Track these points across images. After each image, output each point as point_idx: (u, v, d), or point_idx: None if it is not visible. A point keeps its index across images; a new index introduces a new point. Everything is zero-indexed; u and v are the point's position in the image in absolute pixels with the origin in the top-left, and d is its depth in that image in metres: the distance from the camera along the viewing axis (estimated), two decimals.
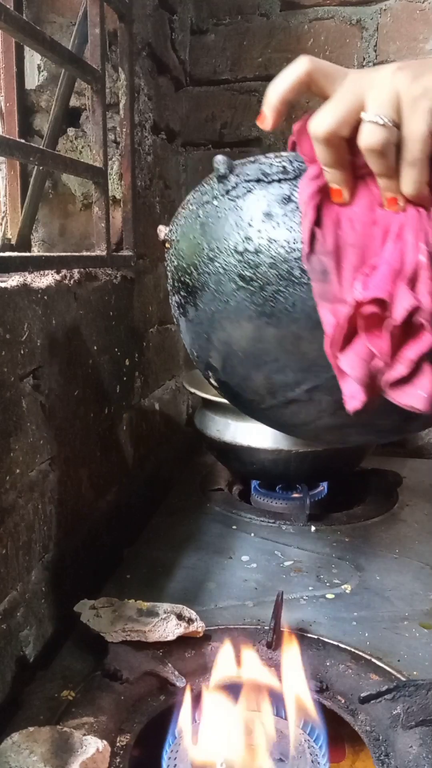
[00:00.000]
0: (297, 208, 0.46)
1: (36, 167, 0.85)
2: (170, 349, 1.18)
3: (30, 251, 0.90)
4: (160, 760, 0.54)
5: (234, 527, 0.90)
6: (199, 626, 0.62)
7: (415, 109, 0.40)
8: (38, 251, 0.94)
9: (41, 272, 0.68)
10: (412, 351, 0.43)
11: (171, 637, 0.61)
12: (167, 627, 0.61)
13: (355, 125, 0.42)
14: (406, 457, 1.22)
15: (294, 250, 0.47)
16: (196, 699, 0.57)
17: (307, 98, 0.42)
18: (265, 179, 0.49)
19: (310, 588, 0.74)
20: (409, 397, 0.44)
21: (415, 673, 0.59)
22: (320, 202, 0.45)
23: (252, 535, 0.88)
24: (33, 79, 0.91)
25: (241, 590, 0.74)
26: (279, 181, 0.48)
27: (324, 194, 0.45)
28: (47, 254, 0.73)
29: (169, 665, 0.59)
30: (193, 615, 0.63)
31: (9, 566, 0.59)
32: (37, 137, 0.92)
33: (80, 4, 0.81)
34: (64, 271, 0.72)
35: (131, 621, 0.62)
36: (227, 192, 0.51)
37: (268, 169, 0.49)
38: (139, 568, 0.78)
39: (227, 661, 0.59)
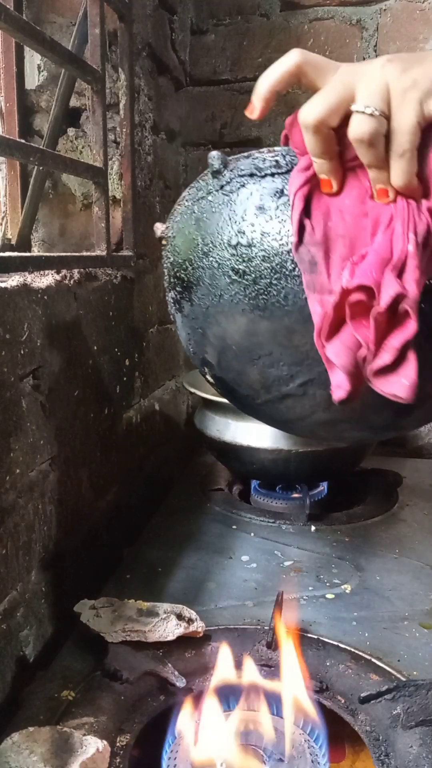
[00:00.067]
0: (289, 201, 0.47)
1: (36, 167, 0.85)
2: (170, 349, 1.18)
3: (30, 251, 0.90)
4: (160, 760, 0.53)
5: (234, 527, 0.90)
6: (199, 626, 0.62)
7: (404, 100, 0.40)
8: (38, 251, 0.94)
9: (41, 272, 0.68)
10: (396, 339, 0.42)
11: (171, 637, 0.61)
12: (167, 627, 0.61)
13: (345, 116, 0.42)
14: (406, 457, 1.22)
15: (286, 243, 0.47)
16: (196, 699, 0.57)
17: (306, 96, 0.42)
18: (259, 174, 0.49)
19: (310, 588, 0.74)
20: (392, 386, 0.43)
21: (415, 673, 0.59)
22: (310, 193, 0.45)
23: (252, 535, 0.88)
24: (33, 79, 0.91)
25: (241, 590, 0.74)
26: (272, 175, 0.49)
27: (313, 185, 0.45)
28: (47, 254, 0.73)
29: (169, 665, 0.59)
30: (193, 615, 0.63)
31: (9, 566, 0.59)
32: (37, 137, 0.92)
33: (80, 4, 0.81)
34: (64, 271, 0.72)
35: (131, 621, 0.62)
36: (221, 187, 0.51)
37: (261, 163, 0.49)
38: (139, 568, 0.78)
39: (227, 661, 0.59)
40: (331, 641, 0.63)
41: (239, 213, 0.50)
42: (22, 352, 0.60)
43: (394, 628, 0.66)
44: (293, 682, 0.56)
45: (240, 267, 0.50)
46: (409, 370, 0.43)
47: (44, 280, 0.67)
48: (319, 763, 0.53)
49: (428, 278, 0.43)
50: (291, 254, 0.47)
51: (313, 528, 0.90)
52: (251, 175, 0.50)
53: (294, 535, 0.88)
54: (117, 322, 0.88)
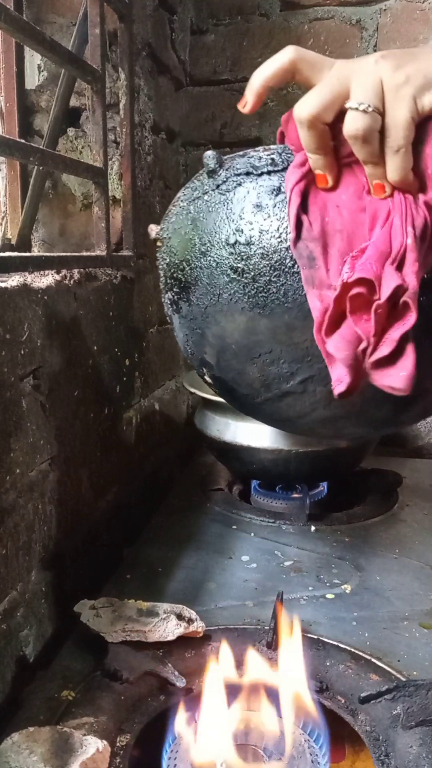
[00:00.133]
0: (286, 198, 0.47)
1: (36, 167, 0.85)
2: (170, 349, 1.18)
3: (30, 251, 0.90)
4: (160, 760, 0.53)
5: (234, 527, 0.90)
6: (199, 626, 0.62)
7: (397, 96, 0.41)
8: (38, 251, 0.94)
9: (41, 272, 0.68)
10: (396, 331, 0.43)
11: (171, 637, 0.61)
12: (167, 627, 0.61)
13: (339, 112, 0.42)
14: (406, 457, 1.22)
15: (285, 240, 0.47)
16: (196, 699, 0.57)
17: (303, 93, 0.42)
18: (255, 172, 0.49)
19: (310, 588, 0.74)
20: (390, 378, 0.44)
21: (415, 673, 0.59)
22: (306, 189, 0.45)
23: (252, 535, 0.88)
24: (33, 79, 0.91)
25: (241, 590, 0.74)
26: (268, 173, 0.49)
27: (310, 180, 0.45)
28: (47, 254, 0.73)
29: (169, 665, 0.59)
30: (193, 615, 0.63)
31: (9, 566, 0.59)
32: (37, 137, 0.92)
33: (80, 4, 0.81)
34: (64, 271, 0.72)
35: (131, 621, 0.62)
36: (217, 186, 0.51)
37: (257, 162, 0.49)
38: (139, 568, 0.78)
39: (227, 661, 0.59)
40: (331, 641, 0.63)
41: (237, 212, 0.50)
42: (22, 352, 0.60)
43: (394, 628, 0.66)
44: (293, 682, 0.56)
45: (239, 265, 0.50)
46: (407, 362, 0.43)
47: (44, 280, 0.67)
48: (319, 763, 0.53)
49: (426, 272, 0.44)
50: (290, 251, 0.47)
51: (313, 528, 0.90)
52: (247, 173, 0.50)
53: (294, 535, 0.88)
54: (117, 322, 0.88)
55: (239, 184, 0.50)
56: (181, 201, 0.56)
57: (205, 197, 0.52)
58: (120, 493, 0.91)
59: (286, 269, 0.48)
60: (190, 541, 0.85)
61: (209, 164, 0.52)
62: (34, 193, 0.86)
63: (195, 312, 0.55)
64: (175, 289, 0.56)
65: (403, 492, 1.02)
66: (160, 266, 0.59)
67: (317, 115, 0.42)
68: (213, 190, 0.52)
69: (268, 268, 0.49)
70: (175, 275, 0.56)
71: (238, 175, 0.50)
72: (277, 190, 0.48)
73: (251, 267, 0.49)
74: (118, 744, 0.51)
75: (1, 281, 0.58)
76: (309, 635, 0.64)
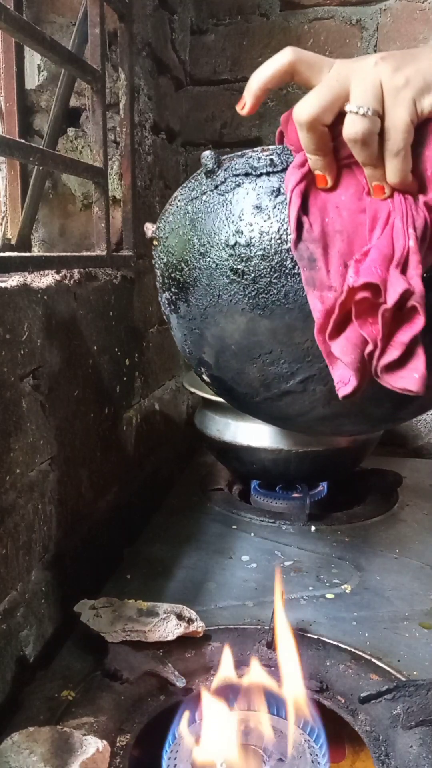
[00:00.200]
0: (286, 200, 0.47)
1: (36, 167, 0.85)
2: (170, 349, 1.18)
3: (30, 251, 0.90)
4: (160, 760, 0.53)
5: (234, 527, 0.90)
6: (199, 626, 0.62)
7: (397, 99, 0.41)
8: (38, 251, 0.94)
9: (41, 272, 0.68)
10: (404, 334, 0.43)
11: (171, 637, 0.61)
12: (167, 627, 0.61)
13: (338, 113, 0.42)
14: (406, 457, 1.22)
15: (285, 241, 0.47)
16: (197, 699, 0.57)
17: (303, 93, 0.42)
18: (254, 173, 0.49)
19: (310, 588, 0.74)
20: (403, 380, 0.44)
21: (415, 673, 0.59)
22: (306, 189, 0.45)
23: (252, 535, 0.88)
24: (33, 79, 0.91)
25: (241, 590, 0.74)
26: (267, 174, 0.49)
27: (310, 181, 0.45)
28: (47, 254, 0.73)
29: (169, 665, 0.59)
30: (193, 615, 0.63)
31: (9, 566, 0.59)
32: (37, 137, 0.92)
33: (80, 4, 0.81)
34: (64, 271, 0.72)
35: (131, 621, 0.62)
36: (216, 187, 0.51)
37: (256, 162, 0.49)
38: (139, 568, 0.78)
39: (228, 662, 0.59)
40: (331, 641, 0.63)
41: (236, 213, 0.50)
42: (22, 352, 0.60)
43: (394, 628, 0.66)
44: (293, 682, 0.56)
45: (239, 267, 0.50)
46: (419, 363, 0.43)
47: (44, 280, 0.67)
48: (319, 763, 0.53)
49: (425, 271, 0.44)
50: (290, 252, 0.47)
51: (313, 528, 0.90)
52: (246, 174, 0.49)
53: (294, 535, 0.88)
54: (117, 322, 0.88)
55: (238, 185, 0.50)
56: (179, 200, 0.56)
57: (204, 197, 0.52)
58: (120, 493, 0.91)
59: (287, 270, 0.48)
60: (190, 541, 0.85)
61: (207, 164, 0.51)
62: (34, 193, 0.86)
63: (194, 312, 0.55)
64: (173, 289, 0.56)
65: (403, 492, 1.02)
66: (157, 266, 0.59)
67: (317, 117, 0.42)
68: (211, 190, 0.51)
69: (268, 269, 0.49)
70: (173, 275, 0.55)
71: (237, 175, 0.50)
72: (277, 191, 0.48)
73: (251, 268, 0.49)
74: (118, 744, 0.51)
75: (1, 281, 0.58)
76: (309, 635, 0.64)
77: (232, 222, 0.50)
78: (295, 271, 0.47)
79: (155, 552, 0.82)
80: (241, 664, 0.59)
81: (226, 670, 0.58)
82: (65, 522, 0.72)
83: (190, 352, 0.60)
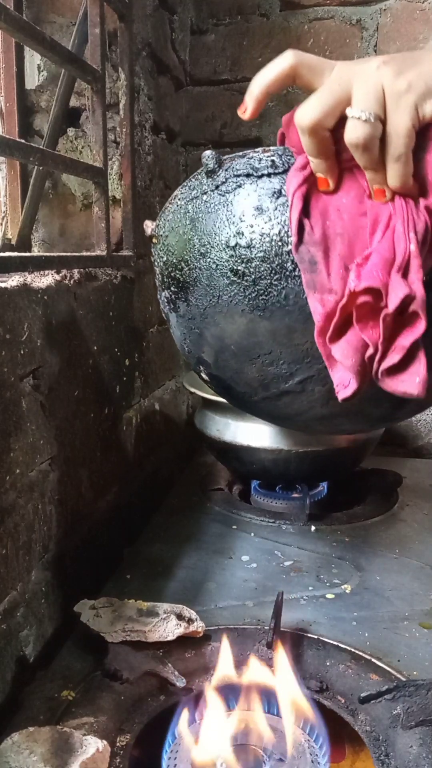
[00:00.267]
0: (287, 202, 0.47)
1: (36, 167, 0.85)
2: (170, 349, 1.18)
3: (30, 251, 0.90)
4: (160, 760, 0.53)
5: (234, 527, 0.90)
6: (199, 626, 0.62)
7: (399, 104, 0.41)
8: (38, 251, 0.94)
9: (41, 272, 0.68)
10: (406, 338, 0.43)
11: (171, 637, 0.61)
12: (167, 627, 0.61)
13: (340, 117, 0.42)
14: (406, 457, 1.22)
15: (286, 243, 0.47)
16: (196, 699, 0.57)
17: (306, 96, 0.42)
18: (255, 174, 0.49)
19: (310, 588, 0.74)
20: (404, 384, 0.44)
21: (415, 673, 0.59)
22: (308, 192, 0.45)
23: (252, 535, 0.88)
24: (33, 79, 0.91)
25: (241, 590, 0.74)
26: (269, 175, 0.48)
27: (311, 184, 0.45)
28: (47, 254, 0.73)
29: (169, 665, 0.59)
30: (193, 615, 0.63)
31: (9, 566, 0.59)
32: (37, 137, 0.92)
33: (80, 4, 0.81)
34: (64, 271, 0.72)
35: (131, 621, 0.62)
36: (216, 187, 0.51)
37: (257, 163, 0.49)
38: (139, 568, 0.78)
39: (227, 661, 0.59)
40: (331, 641, 0.63)
41: (237, 214, 0.49)
42: (22, 352, 0.60)
43: (394, 628, 0.66)
44: (293, 682, 0.56)
45: (239, 268, 0.50)
46: (420, 367, 0.43)
47: (44, 280, 0.67)
48: (319, 763, 0.53)
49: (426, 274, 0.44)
50: (291, 255, 0.47)
51: (313, 528, 0.90)
52: (248, 175, 0.49)
53: (294, 535, 0.88)
54: (117, 322, 0.88)
55: (239, 186, 0.50)
56: (179, 199, 0.55)
57: (204, 197, 0.52)
58: (120, 493, 0.91)
59: (287, 273, 0.48)
60: (190, 541, 0.85)
61: (208, 164, 0.51)
62: (34, 193, 0.86)
63: (193, 312, 0.55)
64: (172, 288, 0.56)
65: (403, 492, 1.02)
66: (156, 264, 0.59)
67: (319, 122, 0.42)
68: (212, 190, 0.51)
69: (269, 271, 0.48)
70: (172, 274, 0.55)
71: (238, 176, 0.50)
72: (278, 193, 0.48)
73: (252, 270, 0.49)
74: (118, 744, 0.51)
75: (1, 281, 0.58)
76: (309, 635, 0.64)
77: (233, 223, 0.50)
78: (296, 273, 0.47)
79: (155, 552, 0.82)
80: (240, 663, 0.59)
81: (225, 666, 0.58)
82: (65, 522, 0.72)
83: (189, 350, 0.60)
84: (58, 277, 0.70)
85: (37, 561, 0.66)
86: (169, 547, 0.83)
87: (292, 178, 0.46)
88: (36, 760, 0.45)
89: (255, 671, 0.58)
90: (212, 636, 0.63)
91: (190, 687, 0.59)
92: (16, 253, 0.67)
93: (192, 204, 0.53)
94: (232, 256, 0.50)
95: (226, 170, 0.51)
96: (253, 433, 0.93)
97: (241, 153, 0.51)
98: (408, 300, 0.42)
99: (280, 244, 0.48)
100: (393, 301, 0.42)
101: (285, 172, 0.48)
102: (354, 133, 0.41)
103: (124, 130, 0.91)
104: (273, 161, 0.49)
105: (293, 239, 0.45)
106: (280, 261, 0.48)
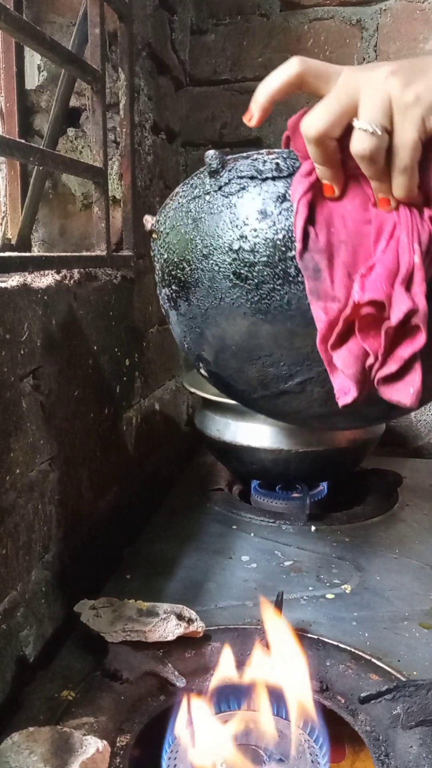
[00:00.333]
0: (292, 207, 0.47)
1: (36, 167, 0.85)
2: (170, 349, 1.18)
3: (30, 251, 0.90)
4: (160, 760, 0.53)
5: (234, 527, 0.90)
6: (199, 626, 0.62)
7: (406, 117, 0.40)
8: (38, 251, 0.94)
9: (41, 272, 0.68)
10: (405, 350, 0.44)
11: (171, 637, 0.61)
12: (167, 627, 0.61)
13: (347, 126, 0.42)
14: (406, 457, 1.22)
15: (289, 249, 0.47)
16: (197, 699, 0.57)
17: (307, 99, 0.42)
18: (259, 176, 0.49)
19: (310, 588, 0.74)
20: (399, 393, 0.45)
21: (415, 673, 0.59)
22: (313, 199, 0.45)
23: (252, 535, 0.88)
24: (33, 79, 0.91)
25: (241, 590, 0.74)
26: (273, 178, 0.48)
27: (316, 190, 0.45)
28: (47, 254, 0.73)
29: (169, 665, 0.59)
30: (193, 615, 0.63)
31: (9, 566, 0.59)
32: (37, 137, 0.92)
33: (80, 4, 0.81)
34: (64, 271, 0.72)
35: (131, 621, 0.62)
36: (220, 188, 0.51)
37: (262, 165, 0.49)
38: (139, 568, 0.78)
39: (228, 661, 0.59)
40: (331, 641, 0.63)
41: (241, 217, 0.49)
42: (22, 352, 0.60)
43: (394, 628, 0.66)
44: (294, 682, 0.56)
45: (242, 272, 0.49)
46: (415, 378, 0.44)
47: (44, 280, 0.67)
48: (319, 763, 0.53)
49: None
50: (294, 260, 0.47)
51: (313, 528, 0.90)
52: (252, 177, 0.49)
53: (294, 535, 0.88)
54: (117, 322, 0.88)
55: (243, 188, 0.49)
56: (180, 197, 0.55)
57: (207, 197, 0.52)
58: (120, 493, 0.91)
59: (291, 278, 0.48)
60: (190, 541, 0.85)
61: (211, 164, 0.51)
62: (34, 193, 0.86)
63: (194, 312, 0.55)
64: (173, 287, 0.56)
65: (403, 492, 1.02)
66: (156, 260, 0.59)
67: (326, 132, 0.42)
68: (215, 191, 0.51)
69: (272, 276, 0.48)
70: (173, 273, 0.55)
71: (242, 177, 0.49)
72: (282, 197, 0.47)
73: (255, 274, 0.49)
74: (118, 744, 0.52)
75: (1, 281, 0.58)
76: (309, 635, 0.64)
77: (237, 226, 0.49)
78: (299, 278, 0.47)
79: (155, 552, 0.82)
80: (241, 664, 0.59)
81: (225, 670, 0.58)
82: (65, 522, 0.72)
83: (189, 347, 0.60)
84: (58, 277, 0.70)
85: (37, 561, 0.66)
86: (169, 547, 0.83)
87: (298, 185, 0.46)
88: (36, 760, 0.45)
89: (255, 671, 0.58)
90: (212, 636, 0.63)
91: (190, 687, 0.59)
92: (16, 253, 0.67)
93: (194, 203, 0.53)
94: (235, 259, 0.49)
95: (230, 171, 0.50)
96: (253, 433, 0.93)
97: (245, 154, 0.51)
98: (411, 314, 0.42)
99: (283, 249, 0.47)
100: (396, 315, 0.42)
101: (289, 176, 0.47)
102: (360, 144, 0.41)
103: (124, 130, 0.91)
104: (277, 164, 0.48)
105: (298, 247, 0.45)
106: (283, 266, 0.48)
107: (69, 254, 0.77)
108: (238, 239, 0.49)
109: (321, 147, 0.43)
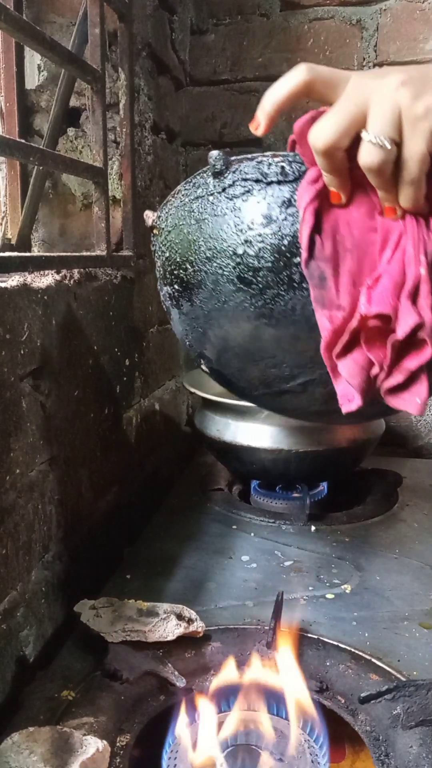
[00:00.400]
0: (297, 212, 0.46)
1: (36, 167, 0.85)
2: (170, 349, 1.18)
3: (30, 251, 0.90)
4: (160, 760, 0.53)
5: (234, 527, 0.90)
6: (199, 626, 0.62)
7: (416, 129, 0.40)
8: (38, 251, 0.94)
9: (41, 272, 0.68)
10: (411, 362, 0.44)
11: (171, 637, 0.61)
12: (167, 627, 0.61)
13: (356, 137, 0.42)
14: (406, 457, 1.22)
15: (294, 255, 0.47)
16: (197, 699, 0.57)
17: (309, 102, 0.42)
18: (264, 180, 0.48)
19: (310, 588, 0.74)
20: (405, 403, 0.45)
21: (415, 673, 0.59)
22: (319, 207, 0.45)
23: (252, 535, 0.88)
24: (33, 79, 0.91)
25: (241, 590, 0.74)
26: (278, 183, 0.47)
27: (323, 198, 0.45)
28: (47, 254, 0.73)
29: (169, 665, 0.59)
30: (193, 615, 0.63)
31: (9, 566, 0.59)
32: (37, 137, 0.92)
33: (80, 4, 0.81)
34: (64, 271, 0.72)
35: (131, 621, 0.62)
36: (224, 189, 0.50)
37: (267, 168, 0.48)
38: (139, 568, 0.78)
39: (229, 662, 0.59)
40: (331, 641, 0.63)
41: (245, 221, 0.48)
42: (22, 352, 0.60)
43: (394, 628, 0.66)
44: (293, 682, 0.56)
45: (246, 276, 0.49)
46: (421, 389, 0.44)
47: (44, 280, 0.67)
48: (319, 763, 0.53)
49: None
50: (299, 267, 0.46)
51: (313, 528, 0.90)
52: (257, 180, 0.48)
53: (294, 535, 0.88)
54: (117, 322, 0.88)
55: (248, 191, 0.48)
56: (182, 195, 0.54)
57: (210, 198, 0.51)
58: (120, 493, 0.91)
59: (295, 284, 0.47)
60: (190, 541, 0.85)
61: (215, 165, 0.50)
62: (34, 193, 0.86)
63: (197, 312, 0.55)
64: (175, 286, 0.56)
65: (403, 492, 1.02)
66: (158, 257, 0.58)
67: (334, 144, 0.42)
68: (219, 192, 0.50)
69: (276, 281, 0.48)
70: (175, 272, 0.55)
71: (246, 180, 0.49)
72: (288, 202, 0.47)
73: (259, 279, 0.48)
74: (118, 744, 0.51)
75: (1, 281, 0.58)
76: (309, 635, 0.64)
77: (241, 230, 0.48)
78: (304, 285, 0.47)
79: (155, 552, 0.82)
80: (241, 664, 0.59)
81: (226, 666, 0.58)
82: (65, 522, 0.72)
83: (191, 345, 0.60)
84: (58, 277, 0.70)
85: (37, 561, 0.66)
86: (169, 547, 0.83)
87: (304, 192, 0.45)
88: (36, 760, 0.45)
89: (255, 671, 0.58)
90: (212, 636, 0.63)
91: (190, 687, 0.59)
92: (16, 253, 0.67)
93: (197, 203, 0.52)
94: (239, 263, 0.49)
95: (234, 173, 0.49)
96: (253, 433, 0.93)
97: (249, 155, 0.50)
98: (417, 328, 0.42)
99: (288, 255, 0.47)
100: (403, 329, 0.42)
101: (295, 180, 0.47)
102: (369, 156, 0.41)
103: (124, 130, 0.91)
104: (283, 168, 0.47)
105: (303, 255, 0.45)
106: (288, 272, 0.47)
107: (69, 254, 0.77)
108: (242, 244, 0.48)
109: (329, 158, 0.43)
